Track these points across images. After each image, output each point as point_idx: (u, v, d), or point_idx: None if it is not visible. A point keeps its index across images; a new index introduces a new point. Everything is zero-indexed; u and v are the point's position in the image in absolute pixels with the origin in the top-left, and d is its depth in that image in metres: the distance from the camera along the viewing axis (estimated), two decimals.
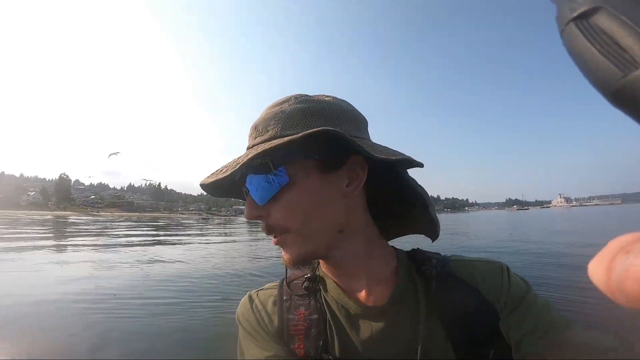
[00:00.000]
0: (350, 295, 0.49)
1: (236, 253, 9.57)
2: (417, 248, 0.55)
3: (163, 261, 7.78)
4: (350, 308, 0.49)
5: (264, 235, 0.49)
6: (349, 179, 0.45)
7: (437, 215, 0.51)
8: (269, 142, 0.42)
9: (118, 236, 15.87)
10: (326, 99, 0.48)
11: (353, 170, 0.45)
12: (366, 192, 0.49)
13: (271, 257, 8.26)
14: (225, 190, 0.51)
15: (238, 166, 0.41)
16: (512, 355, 0.43)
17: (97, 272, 6.22)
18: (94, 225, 26.55)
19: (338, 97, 0.50)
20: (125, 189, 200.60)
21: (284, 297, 0.53)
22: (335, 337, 0.49)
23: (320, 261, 0.53)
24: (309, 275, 0.53)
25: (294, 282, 0.54)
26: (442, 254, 0.54)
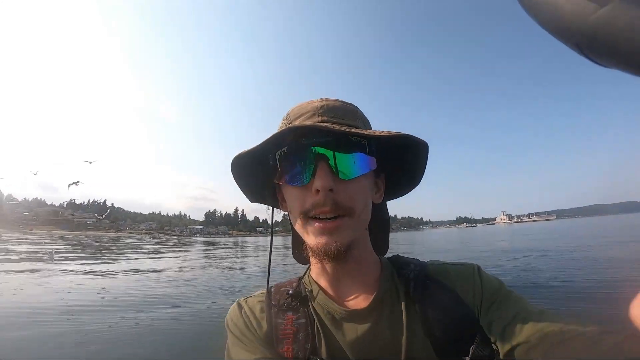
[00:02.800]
0: (335, 300, 0.54)
1: None
2: (397, 254, 0.60)
3: None
4: (335, 312, 0.53)
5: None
6: (377, 188, 0.56)
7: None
8: (364, 130, 0.48)
9: None
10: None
11: (380, 180, 0.56)
12: None
13: None
14: (251, 168, 0.54)
15: (348, 131, 0.46)
16: (492, 349, 0.45)
17: None
18: None
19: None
20: (65, 205, 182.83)
21: (273, 303, 0.56)
22: (322, 340, 0.51)
23: (312, 265, 0.59)
24: (295, 285, 0.58)
25: (282, 289, 0.58)
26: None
